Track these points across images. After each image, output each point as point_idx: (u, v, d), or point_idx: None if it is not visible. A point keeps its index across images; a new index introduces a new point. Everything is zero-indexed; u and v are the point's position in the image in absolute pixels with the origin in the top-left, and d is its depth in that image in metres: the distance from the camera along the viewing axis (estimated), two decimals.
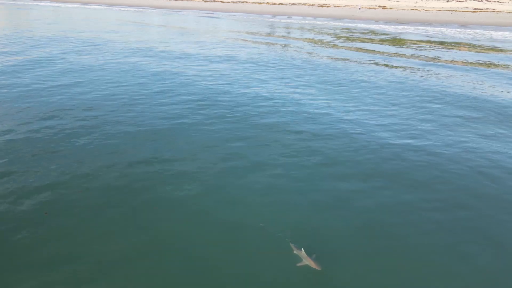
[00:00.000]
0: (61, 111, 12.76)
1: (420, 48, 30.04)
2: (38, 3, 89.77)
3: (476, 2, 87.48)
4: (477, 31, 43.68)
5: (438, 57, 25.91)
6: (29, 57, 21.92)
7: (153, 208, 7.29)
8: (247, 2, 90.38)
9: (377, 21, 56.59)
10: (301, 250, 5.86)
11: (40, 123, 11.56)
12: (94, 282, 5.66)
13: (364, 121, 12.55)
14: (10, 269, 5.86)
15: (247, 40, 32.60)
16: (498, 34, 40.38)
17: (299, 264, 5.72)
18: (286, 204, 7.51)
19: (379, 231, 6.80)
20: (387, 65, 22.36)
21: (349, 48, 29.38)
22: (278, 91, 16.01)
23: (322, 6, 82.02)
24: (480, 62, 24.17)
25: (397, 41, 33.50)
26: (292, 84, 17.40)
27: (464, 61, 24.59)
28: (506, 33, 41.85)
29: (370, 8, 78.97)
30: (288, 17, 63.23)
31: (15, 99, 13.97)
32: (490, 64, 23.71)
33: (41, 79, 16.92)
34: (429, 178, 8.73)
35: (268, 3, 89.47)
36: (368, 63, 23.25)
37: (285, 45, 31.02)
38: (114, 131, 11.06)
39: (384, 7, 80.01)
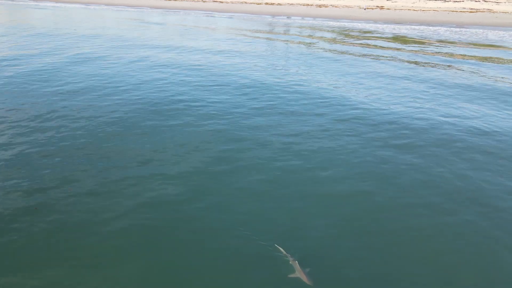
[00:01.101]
0: (51, 109, 12.93)
1: (416, 45, 30.66)
2: (38, 3, 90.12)
3: (473, 2, 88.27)
4: (473, 30, 44.37)
5: (433, 52, 26.53)
6: (29, 53, 22.42)
7: (139, 211, 7.28)
8: (245, 3, 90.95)
9: (375, 21, 57.24)
10: (296, 262, 5.83)
11: (34, 124, 11.61)
12: (84, 281, 5.76)
13: (358, 121, 12.68)
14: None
15: (247, 40, 33.13)
16: (493, 34, 41.08)
17: (291, 276, 5.68)
18: (276, 209, 7.51)
19: (370, 237, 6.79)
20: (384, 60, 22.96)
21: (352, 45, 29.97)
22: (273, 91, 16.16)
23: (320, 7, 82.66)
24: (474, 56, 24.81)
25: (394, 39, 34.11)
26: (289, 84, 17.66)
27: (457, 55, 25.22)
28: (501, 33, 42.55)
29: (368, 8, 79.61)
30: (287, 17, 63.81)
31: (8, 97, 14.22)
32: (485, 58, 24.34)
33: (36, 78, 17.28)
34: (422, 180, 8.80)
35: (267, 3, 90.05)
36: (366, 61, 23.82)
37: (286, 43, 31.56)
38: (101, 131, 11.00)
39: (381, 7, 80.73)
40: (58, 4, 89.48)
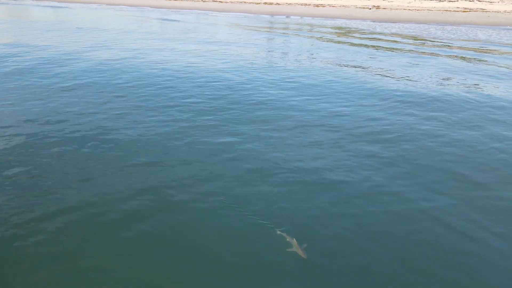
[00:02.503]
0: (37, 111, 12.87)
1: (401, 42, 32.55)
2: (39, 3, 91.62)
3: (467, 2, 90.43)
4: (463, 29, 46.32)
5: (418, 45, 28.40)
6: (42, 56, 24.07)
7: (141, 217, 7.22)
8: (245, 2, 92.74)
9: (373, 20, 59.15)
10: (293, 239, 6.59)
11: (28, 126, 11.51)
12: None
13: (361, 121, 12.82)
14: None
15: (249, 36, 34.81)
16: (483, 33, 43.02)
17: (288, 250, 6.41)
18: (282, 209, 7.63)
19: (356, 218, 7.25)
20: (372, 50, 24.76)
21: (347, 38, 31.77)
22: (276, 91, 16.43)
23: (318, 6, 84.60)
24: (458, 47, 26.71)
25: (384, 35, 35.95)
26: (292, 83, 18.30)
27: (443, 46, 27.11)
28: (490, 31, 44.50)
29: (364, 8, 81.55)
30: (286, 16, 65.66)
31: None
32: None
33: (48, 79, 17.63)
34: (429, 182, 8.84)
35: (265, 3, 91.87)
36: (362, 52, 25.61)
37: (285, 41, 33.29)
38: (96, 139, 10.86)
39: (378, 7, 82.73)
40: (60, 4, 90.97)
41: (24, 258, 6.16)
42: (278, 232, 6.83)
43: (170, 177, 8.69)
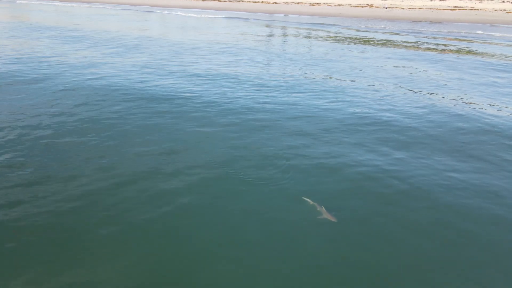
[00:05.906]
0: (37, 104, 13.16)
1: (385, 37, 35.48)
2: (40, 2, 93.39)
3: (457, 0, 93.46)
4: (446, 27, 49.38)
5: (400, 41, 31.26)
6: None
7: (143, 207, 7.31)
8: (243, 1, 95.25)
9: (367, 18, 62.17)
10: (322, 207, 7.30)
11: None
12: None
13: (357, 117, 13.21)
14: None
15: (251, 38, 37.37)
16: (465, 31, 46.10)
17: (319, 217, 7.11)
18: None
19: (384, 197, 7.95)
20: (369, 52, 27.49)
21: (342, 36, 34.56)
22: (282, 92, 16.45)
23: (313, 5, 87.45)
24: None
25: (368, 32, 38.82)
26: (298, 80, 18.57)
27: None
28: (468, 31, 47.57)
29: (358, 6, 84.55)
30: (284, 15, 68.46)
31: None
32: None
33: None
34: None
35: (262, 1, 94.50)
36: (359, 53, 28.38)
37: (284, 39, 35.97)
38: (114, 127, 11.15)
39: (371, 6, 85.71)
40: (62, 4, 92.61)
41: (46, 238, 6.39)
42: (308, 200, 7.60)
43: (184, 161, 9.11)
